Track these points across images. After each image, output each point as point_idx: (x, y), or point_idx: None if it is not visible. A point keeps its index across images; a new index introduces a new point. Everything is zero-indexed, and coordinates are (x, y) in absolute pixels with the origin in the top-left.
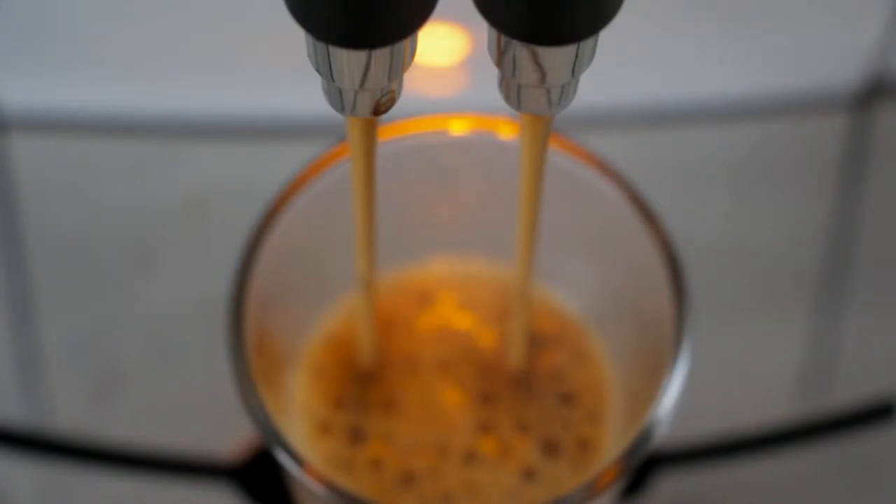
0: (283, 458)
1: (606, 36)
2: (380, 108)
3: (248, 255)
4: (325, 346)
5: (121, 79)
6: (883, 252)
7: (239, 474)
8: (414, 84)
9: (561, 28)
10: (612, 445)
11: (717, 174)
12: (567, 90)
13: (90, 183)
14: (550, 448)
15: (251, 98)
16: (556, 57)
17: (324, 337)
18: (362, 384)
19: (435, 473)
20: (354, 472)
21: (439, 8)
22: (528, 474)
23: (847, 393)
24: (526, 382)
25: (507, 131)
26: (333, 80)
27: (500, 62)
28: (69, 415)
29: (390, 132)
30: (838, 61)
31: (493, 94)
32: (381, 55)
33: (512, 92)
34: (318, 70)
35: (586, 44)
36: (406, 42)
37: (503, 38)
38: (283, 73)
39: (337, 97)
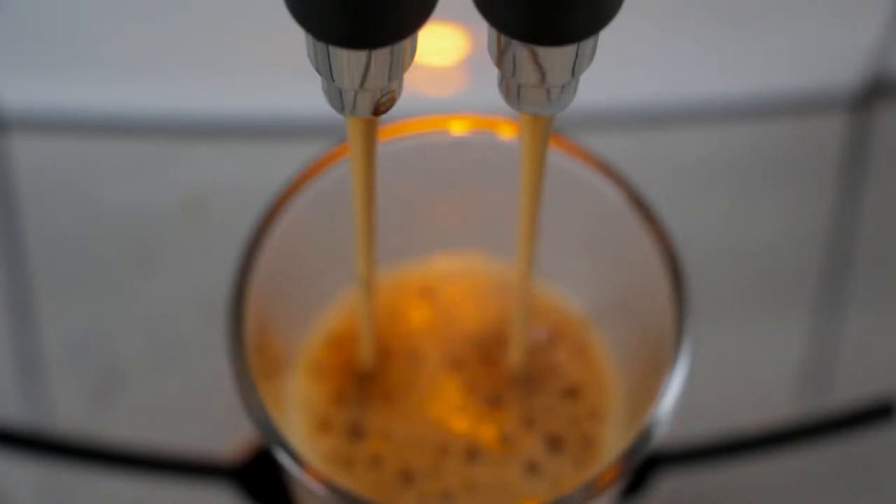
0: (282, 458)
1: (606, 36)
2: (380, 108)
3: (248, 255)
4: (325, 345)
5: (121, 79)
6: (883, 252)
7: (239, 474)
8: (414, 84)
9: (561, 28)
10: (613, 442)
11: (717, 174)
12: (567, 90)
13: (90, 183)
14: (554, 442)
15: (251, 98)
16: (556, 57)
17: (324, 336)
18: (362, 381)
19: (435, 471)
20: (354, 468)
21: (439, 8)
22: (531, 469)
23: (847, 393)
24: (528, 378)
25: (507, 131)
26: (333, 80)
27: (500, 62)
28: (69, 415)
29: (390, 132)
30: (838, 61)
31: (493, 94)
32: (381, 55)
33: (512, 92)
34: (318, 70)
35: (586, 44)
36: (406, 42)
37: (503, 38)
38: (283, 73)
39: (337, 97)
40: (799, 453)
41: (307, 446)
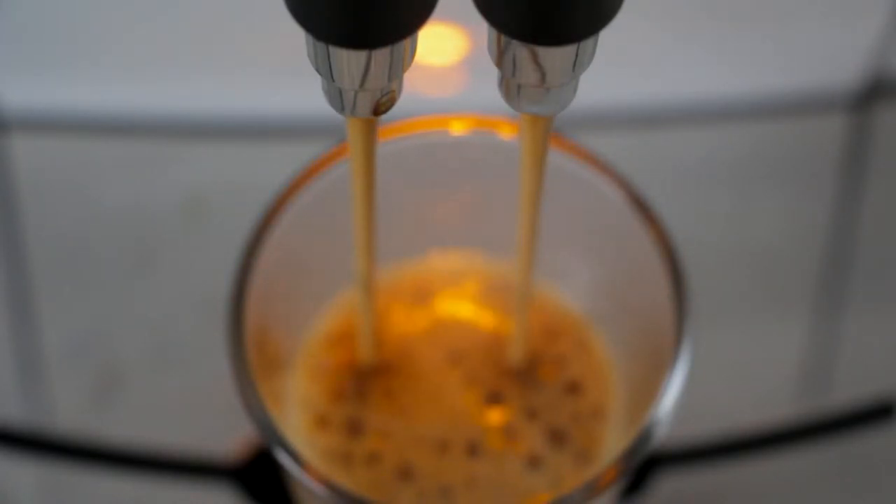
0: (282, 458)
1: (606, 36)
2: (380, 108)
3: (248, 255)
4: (325, 344)
5: (121, 79)
6: (883, 252)
7: (239, 474)
8: (414, 84)
9: (561, 28)
10: (613, 441)
11: (717, 174)
12: (567, 90)
13: (90, 183)
14: (556, 437)
15: (251, 98)
16: (556, 57)
17: (324, 335)
18: (361, 379)
19: (434, 467)
20: (353, 465)
21: (439, 8)
22: (532, 464)
23: (847, 393)
24: (530, 374)
25: (507, 131)
26: (333, 80)
27: (500, 62)
28: (69, 415)
29: (390, 132)
30: (838, 61)
31: (493, 94)
32: (381, 55)
33: (512, 92)
34: (318, 70)
35: (586, 44)
36: (406, 42)
37: (503, 38)
38: (283, 73)
39: (337, 97)
40: (799, 453)
41: (306, 444)
